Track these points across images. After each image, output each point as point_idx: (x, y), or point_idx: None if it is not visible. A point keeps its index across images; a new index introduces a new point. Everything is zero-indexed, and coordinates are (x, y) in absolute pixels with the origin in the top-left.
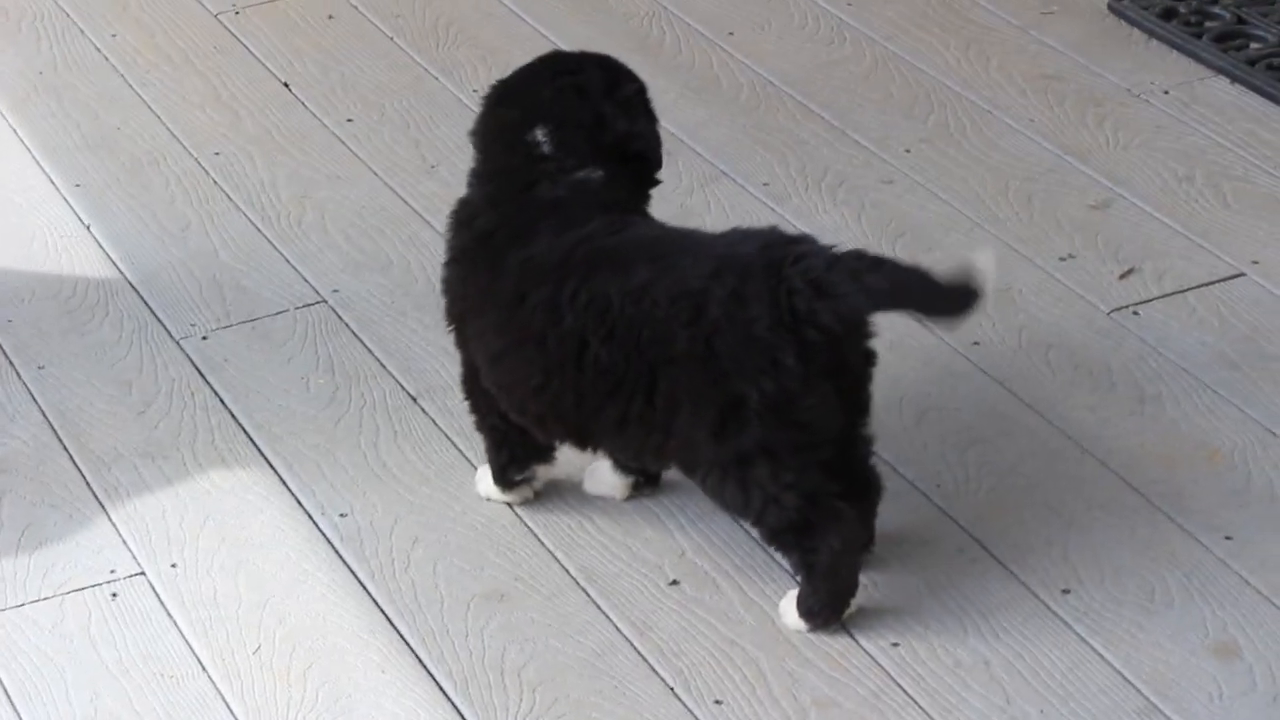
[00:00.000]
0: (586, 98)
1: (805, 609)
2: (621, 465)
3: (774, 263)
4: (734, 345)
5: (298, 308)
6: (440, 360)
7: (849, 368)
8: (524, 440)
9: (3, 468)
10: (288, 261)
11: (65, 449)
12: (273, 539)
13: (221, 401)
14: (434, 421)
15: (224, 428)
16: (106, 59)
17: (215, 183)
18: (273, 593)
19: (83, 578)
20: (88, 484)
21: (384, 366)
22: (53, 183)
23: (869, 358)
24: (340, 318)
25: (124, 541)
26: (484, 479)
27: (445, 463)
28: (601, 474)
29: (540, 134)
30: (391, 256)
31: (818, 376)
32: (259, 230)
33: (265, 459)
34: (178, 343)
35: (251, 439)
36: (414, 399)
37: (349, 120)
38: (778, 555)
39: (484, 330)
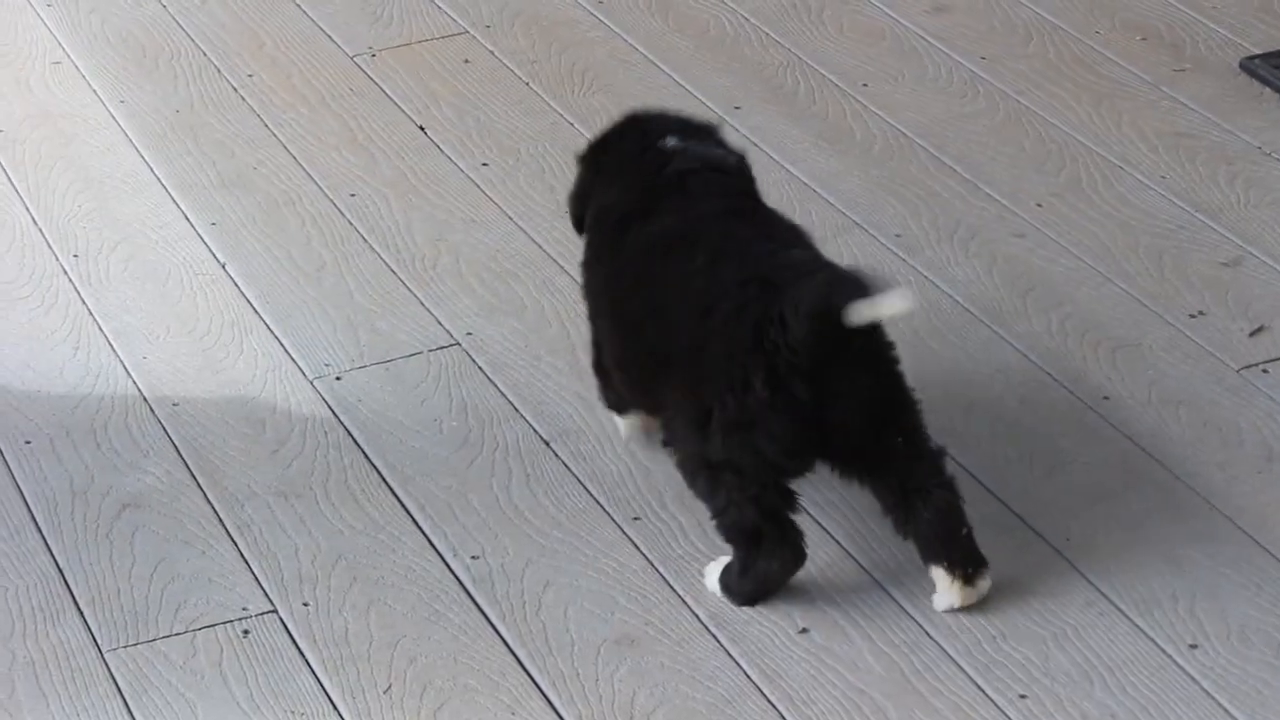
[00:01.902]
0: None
1: (725, 585)
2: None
3: (781, 288)
4: (718, 356)
5: (431, 350)
6: (573, 404)
7: (846, 394)
8: None
9: (137, 503)
10: (422, 304)
11: (199, 486)
12: (405, 579)
13: (355, 442)
14: (567, 466)
15: (357, 468)
16: (243, 99)
17: (350, 224)
18: (404, 632)
19: (215, 614)
20: (221, 521)
21: (517, 410)
22: (189, 221)
23: (888, 393)
24: (474, 361)
25: (256, 579)
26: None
27: (577, 507)
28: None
29: (671, 140)
30: (525, 300)
31: (783, 407)
32: (394, 272)
33: (398, 500)
34: (311, 383)
35: (384, 479)
36: (546, 443)
37: (484, 164)
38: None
39: (600, 302)
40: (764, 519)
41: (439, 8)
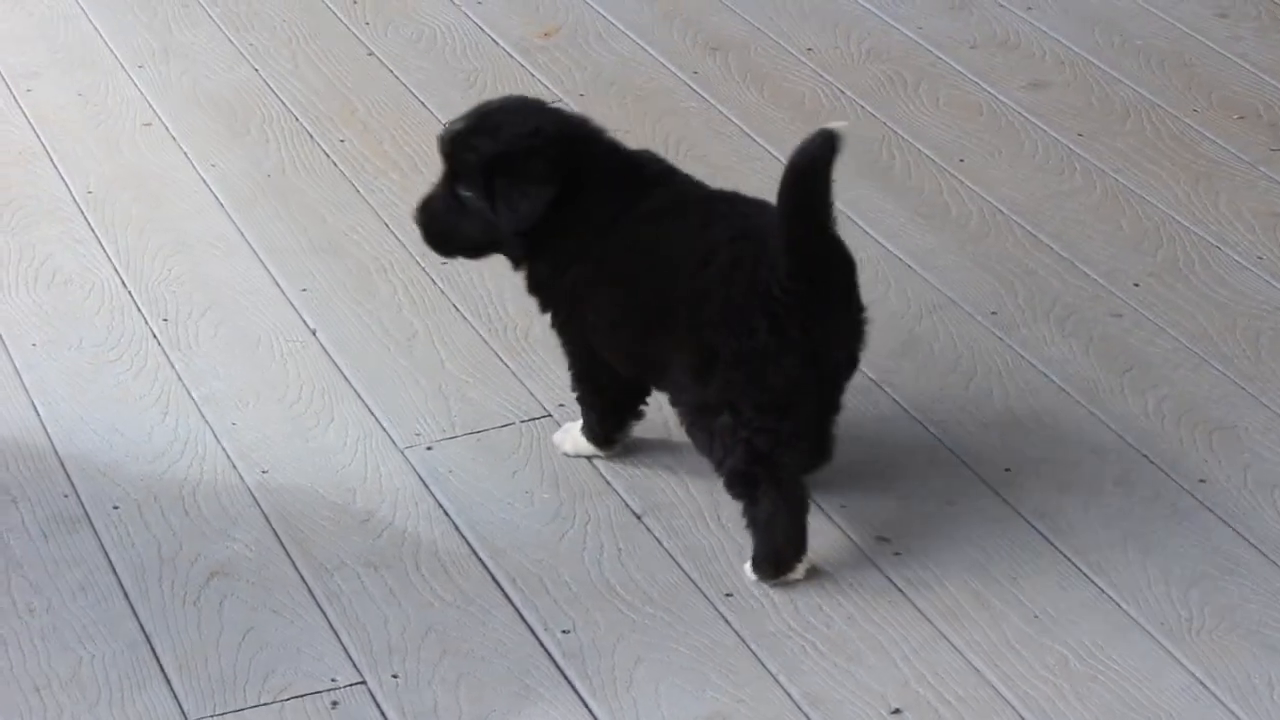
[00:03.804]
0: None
1: (752, 560)
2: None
3: (765, 242)
4: (719, 302)
5: (523, 421)
6: (665, 478)
7: (826, 362)
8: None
9: (225, 571)
10: (514, 374)
11: (288, 554)
12: (495, 652)
13: (445, 513)
14: (659, 540)
15: (447, 539)
16: (335, 164)
17: (442, 292)
18: (494, 706)
19: (303, 684)
20: (309, 590)
21: (609, 483)
22: (279, 286)
23: (848, 365)
24: None
25: (345, 650)
26: (572, 437)
27: (669, 582)
28: (574, 431)
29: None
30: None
31: (788, 349)
32: (485, 342)
33: (488, 572)
34: (402, 452)
35: (475, 551)
36: (638, 517)
37: None
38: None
39: (598, 294)
40: (756, 460)
41: (533, 75)
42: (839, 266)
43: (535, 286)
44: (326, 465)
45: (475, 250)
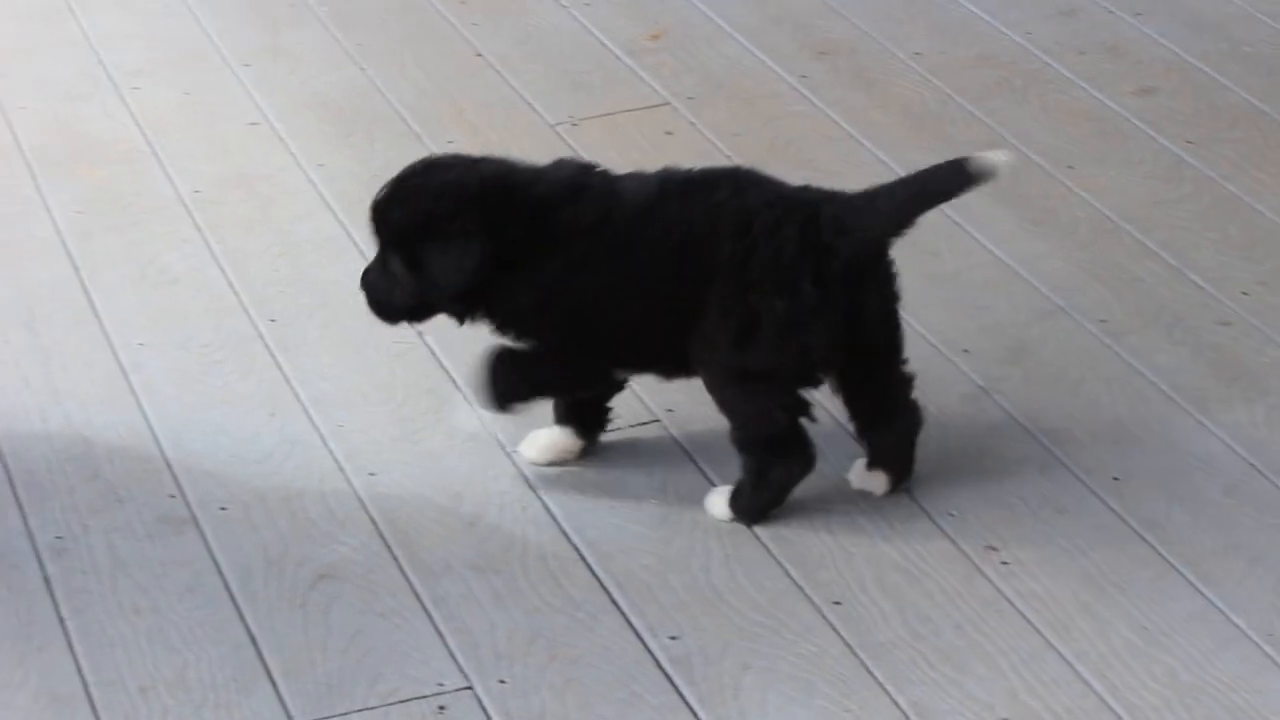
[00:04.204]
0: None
1: (740, 507)
2: (564, 420)
3: (813, 203)
4: (761, 265)
5: (632, 426)
6: None
7: (868, 310)
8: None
9: (332, 574)
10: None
11: (395, 558)
12: (602, 658)
13: (553, 517)
14: (767, 547)
15: (555, 544)
16: None
17: None
18: (601, 713)
19: (410, 689)
20: (416, 594)
21: (717, 489)
22: None
23: (890, 310)
24: (674, 438)
25: (452, 654)
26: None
27: (777, 589)
28: (542, 439)
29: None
30: None
31: (831, 308)
32: None
33: (596, 577)
34: (509, 455)
35: (582, 556)
36: (746, 524)
37: None
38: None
39: (609, 296)
40: (790, 426)
41: (642, 78)
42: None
43: (510, 322)
44: (434, 468)
45: (415, 316)
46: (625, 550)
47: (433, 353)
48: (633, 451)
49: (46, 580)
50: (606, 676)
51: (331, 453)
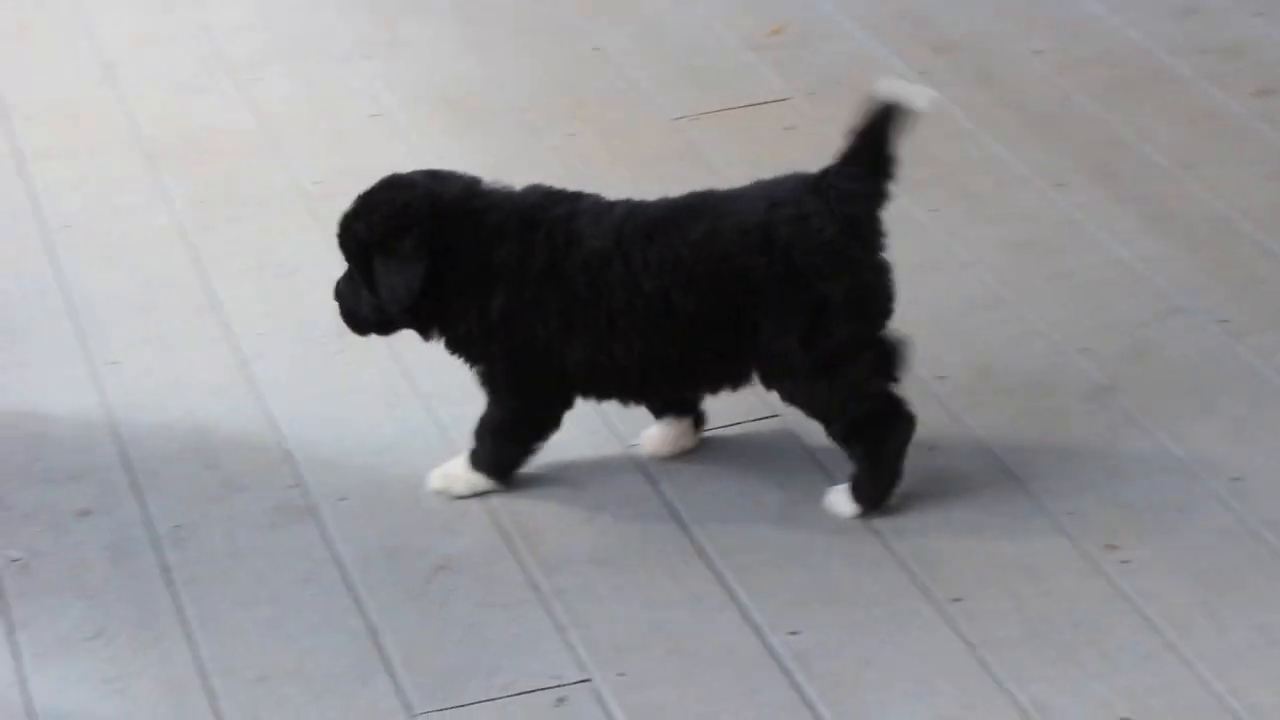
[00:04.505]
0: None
1: (864, 497)
2: (664, 412)
3: (813, 185)
4: (811, 255)
5: (751, 421)
6: None
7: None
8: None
9: (451, 565)
10: None
11: (513, 550)
12: (721, 652)
13: (672, 511)
14: (886, 544)
15: (674, 537)
16: (563, 158)
17: None
18: (721, 707)
19: (528, 681)
20: (535, 586)
21: (835, 485)
22: None
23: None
24: (794, 434)
25: (570, 647)
26: (462, 478)
27: (897, 585)
28: (656, 434)
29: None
30: None
31: (880, 266)
32: None
33: (715, 571)
34: (629, 449)
35: (701, 550)
36: (865, 519)
37: None
38: (848, 451)
39: (573, 337)
40: (884, 394)
41: (762, 73)
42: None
43: (459, 344)
44: (553, 462)
45: (379, 328)
46: (745, 545)
47: None
48: (753, 447)
49: (165, 569)
50: (726, 671)
51: (451, 445)
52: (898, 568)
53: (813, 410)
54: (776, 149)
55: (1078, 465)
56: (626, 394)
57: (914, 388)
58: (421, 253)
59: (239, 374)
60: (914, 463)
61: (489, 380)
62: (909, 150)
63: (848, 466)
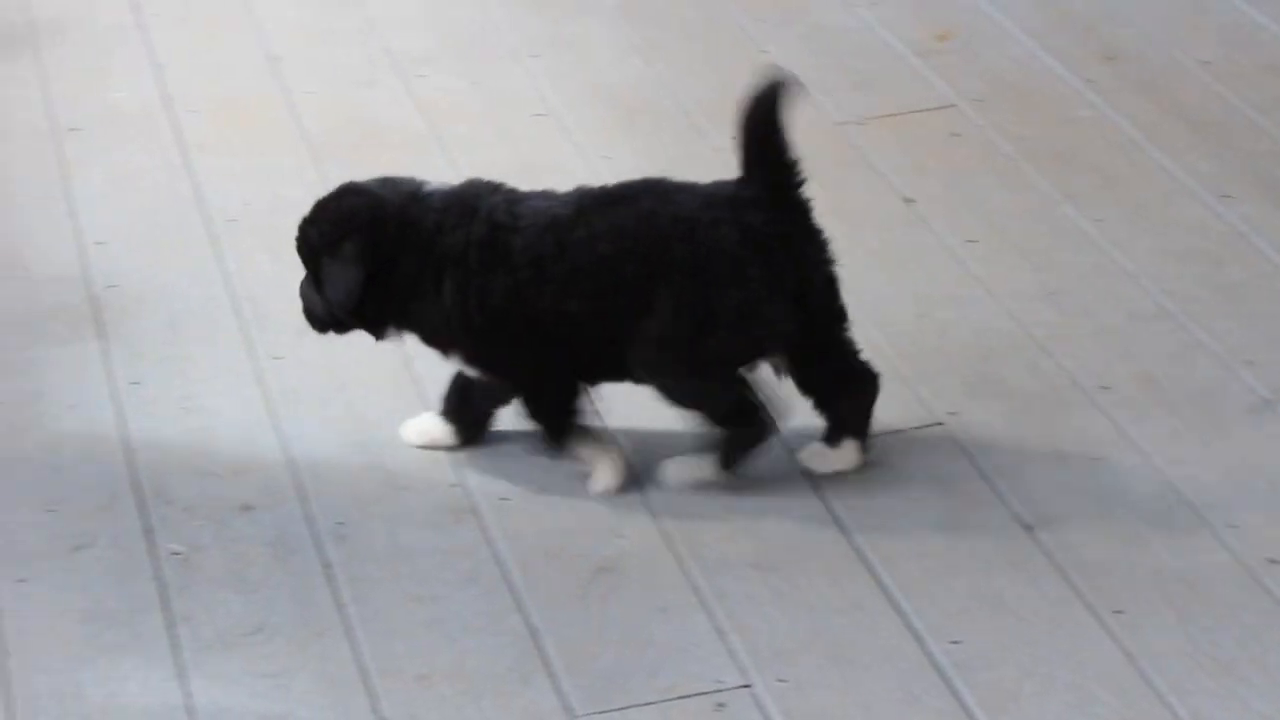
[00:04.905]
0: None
1: (724, 458)
2: (446, 414)
3: (742, 198)
4: (714, 261)
5: (915, 428)
6: (1057, 491)
7: (813, 285)
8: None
9: (612, 567)
10: (905, 380)
11: (675, 553)
12: (882, 660)
13: (834, 517)
14: (1048, 554)
15: (836, 543)
16: (727, 160)
17: None
18: (881, 715)
19: (688, 685)
20: (696, 590)
21: (999, 494)
22: None
23: (831, 279)
24: (957, 442)
25: (731, 652)
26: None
27: (1059, 596)
28: (425, 425)
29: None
30: (1010, 383)
31: (780, 292)
32: (877, 347)
33: (877, 578)
34: (793, 454)
35: (863, 557)
36: (1029, 529)
37: (971, 241)
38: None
39: (543, 311)
40: (750, 395)
41: (929, 80)
42: (792, 180)
43: (431, 340)
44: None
45: (334, 327)
46: (906, 552)
47: None
48: (916, 453)
49: (327, 566)
50: (886, 678)
51: (616, 444)
52: (1059, 578)
53: (684, 402)
54: (941, 155)
55: (1241, 478)
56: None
57: (1077, 398)
58: (361, 257)
59: (403, 372)
60: (1076, 474)
61: (477, 365)
62: (1072, 157)
63: (1012, 475)
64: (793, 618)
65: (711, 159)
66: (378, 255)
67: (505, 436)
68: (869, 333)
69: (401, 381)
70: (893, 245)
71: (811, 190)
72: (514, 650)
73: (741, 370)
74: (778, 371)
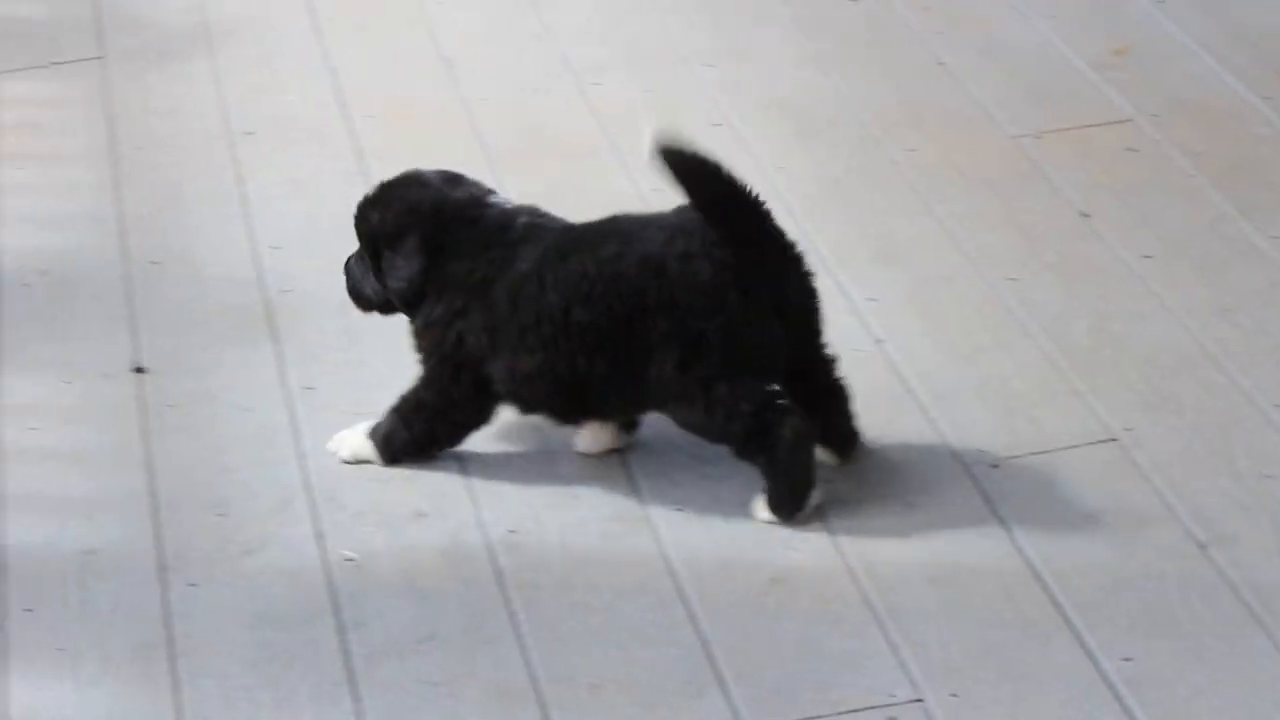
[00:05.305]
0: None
1: (778, 507)
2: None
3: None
4: (690, 293)
5: (1089, 444)
6: (1231, 509)
7: (791, 303)
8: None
9: (785, 579)
10: (1080, 395)
11: (848, 566)
12: (1054, 677)
13: (1008, 532)
14: (1222, 572)
15: (1009, 559)
16: (902, 173)
17: (1009, 309)
18: None
19: (860, 699)
20: (869, 604)
21: (1173, 511)
22: (846, 294)
23: (811, 294)
24: (1131, 458)
25: (903, 666)
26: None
27: (1233, 615)
28: (591, 433)
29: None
30: (1185, 400)
31: (760, 312)
32: (1052, 361)
33: (1050, 595)
34: (967, 468)
35: (1036, 573)
36: (1202, 547)
37: (1147, 256)
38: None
39: (496, 353)
40: (760, 409)
41: (1105, 93)
42: (754, 212)
43: (414, 335)
44: (890, 478)
45: (379, 309)
46: (1079, 568)
47: (890, 361)
48: (1089, 470)
49: (498, 573)
50: (1058, 695)
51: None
52: (1233, 597)
53: (698, 431)
54: (1117, 170)
55: None
56: (540, 407)
57: (1252, 415)
58: (420, 250)
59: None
60: (1251, 492)
61: (421, 368)
62: (1249, 175)
63: (1186, 492)
64: (966, 633)
65: (886, 171)
66: (432, 251)
67: (676, 446)
68: (1043, 346)
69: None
70: (1068, 259)
71: (987, 203)
72: (686, 661)
73: (741, 387)
74: None
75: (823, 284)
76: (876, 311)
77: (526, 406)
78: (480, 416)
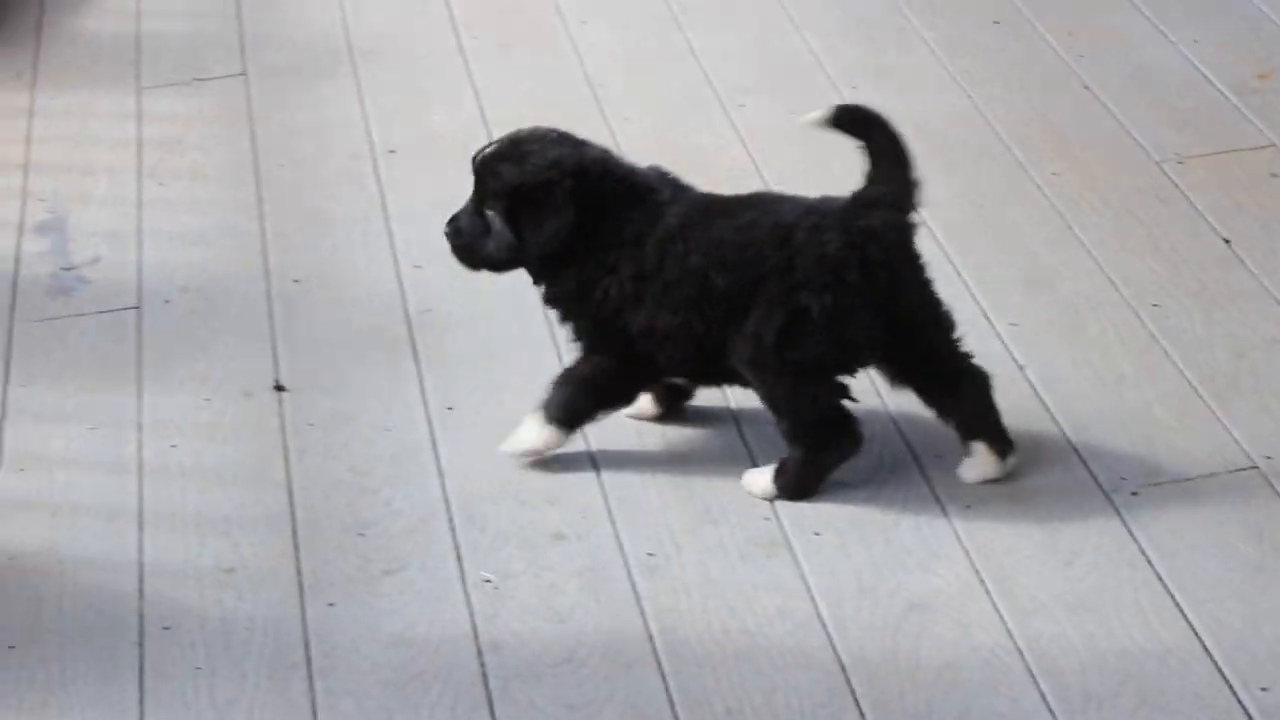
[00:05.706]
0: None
1: (784, 484)
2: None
3: (850, 211)
4: (808, 263)
5: (1230, 471)
6: None
7: (909, 295)
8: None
9: (924, 604)
10: (1222, 423)
11: (987, 592)
12: (1192, 705)
13: (1148, 560)
14: None
15: (1149, 587)
16: (1046, 196)
17: (1153, 336)
18: None
19: None
20: (1008, 630)
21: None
22: (988, 319)
23: (926, 287)
24: (1272, 486)
25: (1042, 695)
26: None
27: None
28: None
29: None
30: None
31: (873, 301)
32: (1195, 388)
33: (1189, 623)
34: (1107, 495)
35: (1176, 601)
36: None
37: None
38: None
39: (639, 306)
40: (837, 409)
41: (1249, 119)
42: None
43: (554, 299)
44: (1031, 504)
45: (498, 267)
46: (1219, 597)
47: (1032, 387)
48: (1230, 497)
49: (637, 596)
50: None
51: (929, 481)
52: None
53: (768, 403)
54: (1261, 196)
55: None
56: (670, 363)
57: None
58: (568, 206)
59: (725, 410)
60: None
61: (579, 336)
62: None
63: None
64: (1104, 660)
65: (1029, 193)
66: (578, 206)
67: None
68: (1184, 372)
69: (724, 415)
70: (1209, 285)
71: (1130, 228)
72: (824, 686)
73: (833, 379)
74: (891, 384)
75: (964, 308)
76: (1018, 336)
77: (664, 364)
78: (637, 377)
